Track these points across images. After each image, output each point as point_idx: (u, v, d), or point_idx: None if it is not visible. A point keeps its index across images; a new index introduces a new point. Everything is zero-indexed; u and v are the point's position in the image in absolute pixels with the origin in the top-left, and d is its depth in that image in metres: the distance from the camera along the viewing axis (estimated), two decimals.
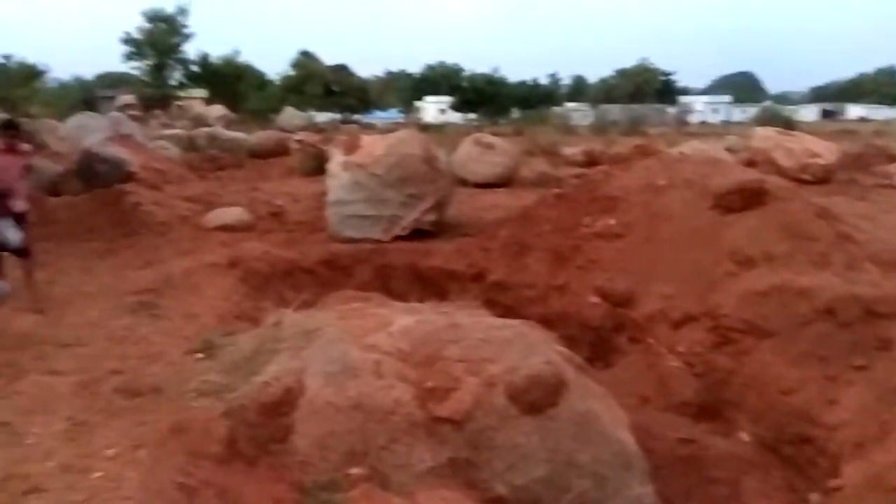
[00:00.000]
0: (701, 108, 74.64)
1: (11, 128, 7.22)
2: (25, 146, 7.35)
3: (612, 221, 7.44)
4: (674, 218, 7.06)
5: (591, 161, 20.14)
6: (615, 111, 55.18)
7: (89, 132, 16.59)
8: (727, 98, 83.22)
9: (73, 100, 39.66)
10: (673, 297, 6.36)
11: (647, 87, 69.50)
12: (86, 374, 4.83)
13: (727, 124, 59.28)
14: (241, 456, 3.99)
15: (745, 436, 5.27)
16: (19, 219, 6.86)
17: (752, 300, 5.82)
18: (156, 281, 7.32)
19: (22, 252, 6.82)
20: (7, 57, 41.26)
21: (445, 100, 67.98)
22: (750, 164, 15.77)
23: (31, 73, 40.80)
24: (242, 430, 4.08)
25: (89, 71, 63.70)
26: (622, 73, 72.32)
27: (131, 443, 3.79)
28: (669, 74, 75.04)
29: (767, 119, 35.69)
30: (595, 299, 6.82)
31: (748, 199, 6.82)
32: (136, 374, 4.83)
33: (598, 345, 6.78)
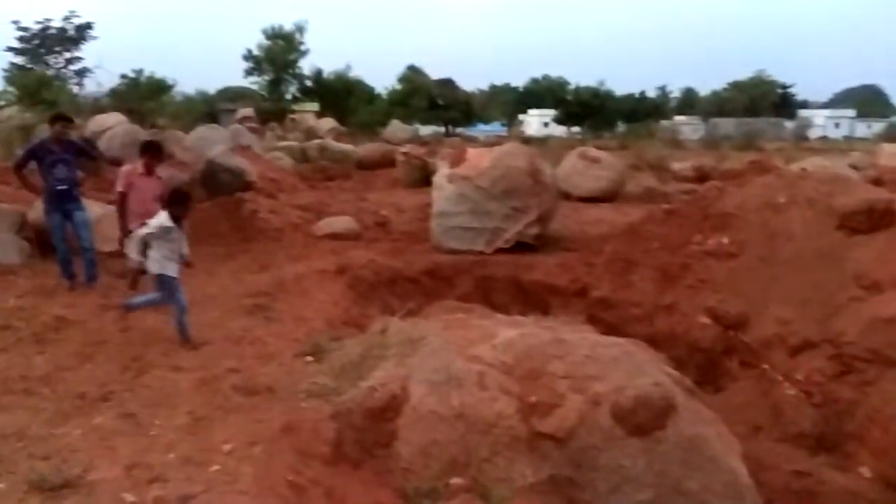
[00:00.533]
0: (822, 123, 70.61)
1: (151, 149, 7.40)
2: (163, 172, 7.45)
3: (726, 240, 7.15)
4: (794, 238, 6.71)
5: (701, 176, 19.42)
6: (728, 125, 53.00)
7: (211, 143, 17.58)
8: (850, 112, 78.34)
9: (197, 112, 42.16)
10: (791, 321, 6.04)
11: (763, 100, 66.27)
12: (206, 371, 5.09)
13: (850, 140, 55.79)
14: (347, 458, 4.12)
15: (866, 471, 4.91)
16: None
17: (879, 327, 5.43)
18: (270, 285, 7.65)
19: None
20: (138, 72, 44.67)
21: (549, 113, 67.57)
22: (877, 182, 14.73)
23: (159, 88, 43.81)
24: (349, 433, 4.22)
25: (212, 85, 67.75)
26: (736, 86, 69.31)
27: (247, 439, 3.97)
28: (788, 87, 71.35)
29: (895, 135, 33.23)
30: (705, 320, 6.58)
31: (876, 219, 6.39)
32: (252, 373, 5.06)
33: (706, 368, 6.53)
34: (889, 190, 11.63)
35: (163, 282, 5.79)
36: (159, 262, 5.73)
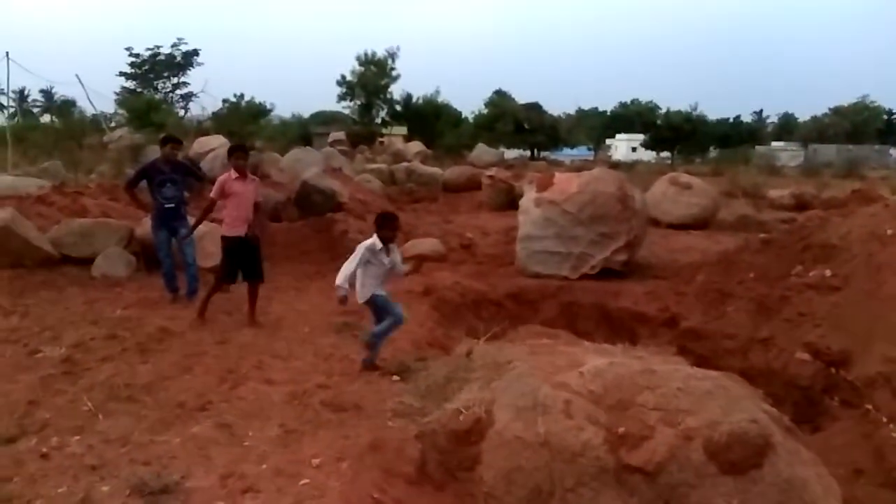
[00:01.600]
0: None
1: (238, 150, 7.23)
2: (253, 176, 7.41)
3: (828, 272, 6.80)
4: None
5: (800, 205, 18.59)
6: (829, 151, 50.53)
7: (305, 165, 18.23)
8: None
9: (292, 135, 43.83)
10: None
11: (866, 127, 62.77)
12: (296, 386, 5.26)
13: None
14: (431, 479, 4.15)
15: None
16: (253, 245, 7.15)
17: None
18: (357, 304, 7.81)
19: (257, 276, 7.27)
20: (239, 97, 46.94)
21: (637, 137, 66.37)
22: None
23: (258, 112, 45.90)
24: (433, 454, 4.25)
25: (306, 110, 70.30)
26: (838, 111, 65.99)
27: (335, 454, 4.06)
28: (894, 113, 67.39)
29: None
30: (804, 356, 6.25)
31: None
32: (340, 389, 5.19)
33: (804, 406, 6.19)
34: None
35: (376, 304, 5.74)
36: (367, 286, 5.66)
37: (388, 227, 5.71)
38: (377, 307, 5.74)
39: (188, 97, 51.65)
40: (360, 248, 5.63)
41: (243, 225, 7.00)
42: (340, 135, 42.57)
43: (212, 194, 7.11)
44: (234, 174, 7.04)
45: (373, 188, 19.67)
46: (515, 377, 4.51)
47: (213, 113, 37.28)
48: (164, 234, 8.08)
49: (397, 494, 3.82)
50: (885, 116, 65.92)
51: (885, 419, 5.51)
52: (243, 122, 35.43)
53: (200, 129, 28.88)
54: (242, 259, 7.12)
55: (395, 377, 5.44)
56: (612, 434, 3.84)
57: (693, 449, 3.67)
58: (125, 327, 6.78)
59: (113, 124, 32.14)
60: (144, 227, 9.21)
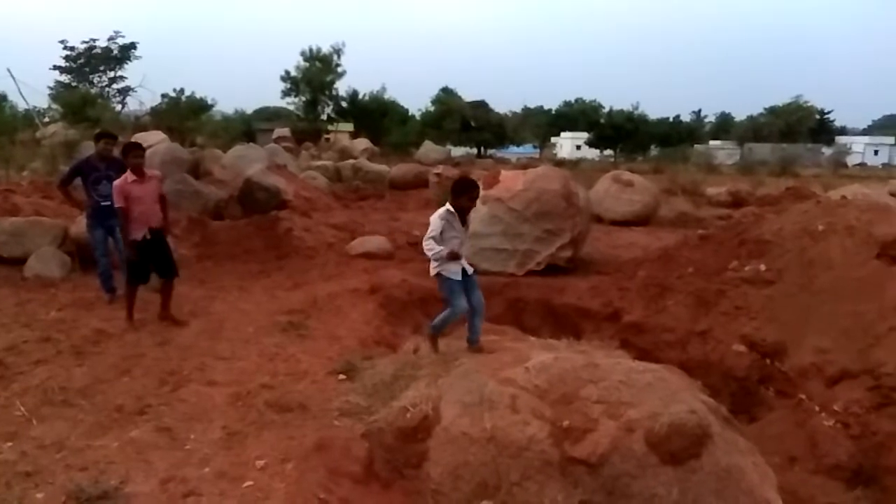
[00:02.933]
0: (860, 150, 69.36)
1: (134, 150, 6.88)
2: (152, 171, 7.08)
3: (763, 267, 7.05)
4: (833, 266, 6.59)
5: (736, 202, 19.19)
6: (764, 150, 52.28)
7: (248, 162, 17.93)
8: (889, 139, 76.81)
9: (234, 132, 42.94)
10: (829, 351, 5.91)
11: (800, 126, 65.23)
12: (240, 387, 5.16)
13: (889, 167, 54.68)
14: (378, 477, 4.14)
15: None
16: (160, 241, 6.95)
17: None
18: (303, 302, 7.74)
19: (170, 272, 7.09)
20: (179, 91, 45.75)
21: (581, 136, 67.43)
22: None
23: (199, 107, 44.83)
24: (380, 453, 4.24)
25: (250, 105, 69.04)
26: (773, 111, 68.36)
27: (279, 455, 4.01)
28: (826, 113, 70.22)
29: None
30: (741, 348, 6.47)
31: None
32: (285, 389, 5.11)
33: (741, 397, 6.40)
34: None
35: (440, 286, 5.11)
36: (439, 261, 4.97)
37: (466, 196, 4.93)
38: (440, 288, 5.11)
39: (125, 91, 50.02)
40: (436, 217, 4.92)
41: (144, 227, 6.79)
42: (285, 131, 42.02)
43: (116, 203, 6.71)
44: (131, 177, 6.71)
45: (318, 185, 19.47)
46: (462, 374, 4.54)
47: (152, 108, 36.26)
48: (100, 233, 7.82)
49: (344, 494, 3.79)
50: (818, 116, 68.52)
51: (817, 408, 5.75)
52: (183, 117, 34.60)
53: (138, 124, 28.08)
54: (151, 257, 6.91)
55: (342, 376, 5.40)
56: (557, 428, 3.91)
57: (635, 440, 3.76)
58: (59, 329, 6.54)
59: (46, 119, 30.91)
60: (79, 225, 8.90)
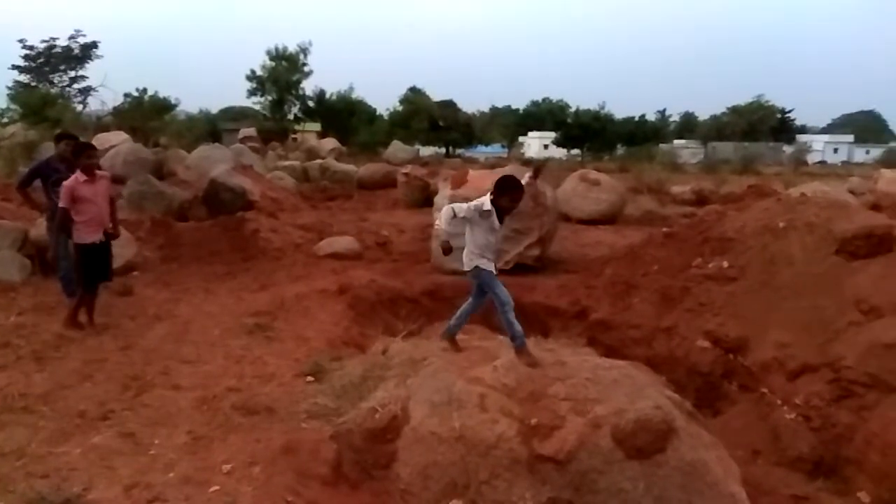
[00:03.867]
0: (820, 148, 71.01)
1: (85, 149, 6.75)
2: (101, 172, 6.92)
3: (726, 264, 7.18)
4: (793, 262, 6.74)
5: (700, 200, 19.52)
6: (727, 149, 53.22)
7: (213, 162, 17.70)
8: (849, 138, 78.84)
9: (199, 132, 42.36)
10: (790, 345, 6.04)
11: (761, 125, 66.60)
12: (206, 391, 5.10)
13: (848, 165, 56.11)
14: (346, 479, 4.12)
15: (864, 496, 4.90)
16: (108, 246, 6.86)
17: (878, 352, 5.44)
18: (270, 304, 7.67)
19: (106, 277, 6.97)
20: (142, 91, 44.92)
21: (549, 135, 67.90)
22: (874, 207, 14.80)
23: (163, 107, 44.09)
24: (348, 454, 4.22)
25: (215, 105, 68.17)
26: (735, 110, 69.66)
27: (246, 459, 3.97)
28: (787, 112, 71.76)
29: (893, 161, 33.43)
30: (705, 344, 6.58)
31: (876, 244, 6.42)
32: (252, 392, 5.06)
33: (705, 391, 6.52)
34: (887, 215, 11.69)
35: (480, 279, 4.71)
36: (473, 255, 4.63)
37: (508, 196, 4.54)
38: (481, 283, 4.71)
39: (87, 91, 48.81)
40: (471, 204, 4.60)
41: (99, 229, 6.69)
42: (251, 131, 41.56)
43: (61, 203, 6.53)
44: (81, 177, 6.55)
45: (286, 186, 19.31)
46: (431, 373, 4.53)
47: (114, 108, 35.63)
48: (62, 237, 7.65)
49: (312, 496, 3.77)
50: (779, 115, 69.98)
51: (779, 401, 5.87)
52: (146, 117, 34.04)
53: (100, 124, 27.60)
54: (99, 262, 6.79)
55: (310, 378, 5.36)
56: (525, 425, 3.93)
57: (601, 436, 3.80)
58: (20, 334, 6.38)
59: (5, 120, 30.14)
60: (39, 228, 8.70)
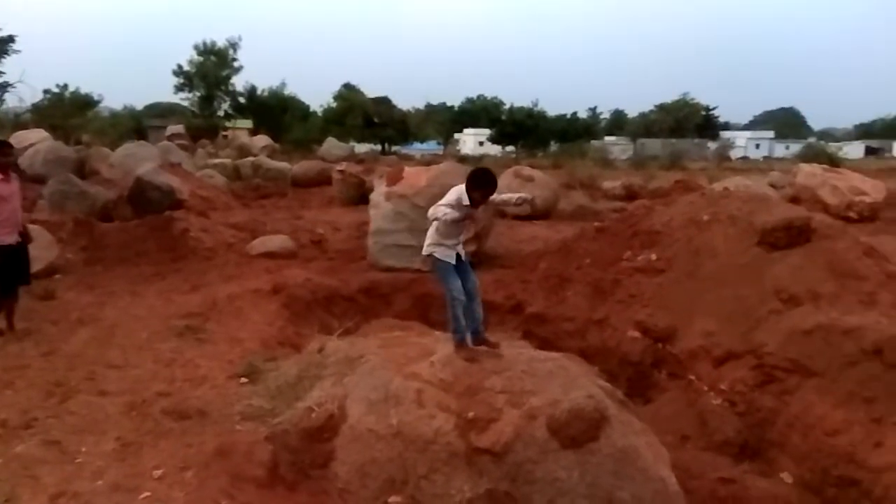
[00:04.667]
0: (743, 144, 73.90)
1: (5, 146, 6.57)
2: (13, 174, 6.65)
3: (654, 256, 7.41)
4: (717, 254, 7.01)
5: (630, 195, 20.07)
6: (655, 145, 54.86)
7: (139, 160, 17.14)
8: (769, 134, 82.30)
9: (124, 129, 40.99)
10: (715, 333, 6.29)
11: (687, 122, 68.94)
12: (134, 396, 4.94)
13: (769, 160, 58.56)
14: (283, 480, 4.06)
15: (787, 477, 5.15)
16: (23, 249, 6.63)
17: (797, 339, 5.72)
18: (202, 305, 7.48)
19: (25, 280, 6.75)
20: (62, 87, 43.04)
21: (484, 132, 68.45)
22: (794, 200, 15.54)
23: (85, 103, 42.45)
24: (284, 455, 4.16)
25: (140, 101, 65.79)
26: (663, 108, 71.90)
27: (178, 464, 3.87)
28: (711, 109, 74.48)
29: (811, 156, 35.12)
30: (635, 334, 6.77)
31: (794, 236, 6.73)
32: (183, 396, 4.93)
33: (636, 380, 6.71)
34: (806, 208, 12.29)
35: (436, 268, 4.62)
36: (432, 240, 4.57)
37: (481, 192, 4.42)
38: (435, 273, 4.63)
39: (4, 88, 46.36)
40: (455, 196, 4.43)
41: (14, 231, 6.45)
42: (179, 128, 40.37)
43: None
44: None
45: (216, 184, 18.85)
46: (368, 371, 4.51)
47: (33, 104, 34.02)
48: None
49: (247, 499, 3.70)
50: (703, 112, 72.51)
51: (706, 388, 6.10)
52: (67, 114, 32.76)
53: (18, 122, 26.37)
54: (15, 265, 6.53)
55: (243, 379, 5.26)
56: (462, 419, 3.96)
57: (537, 427, 3.87)
58: None
59: None
60: None
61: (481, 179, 4.45)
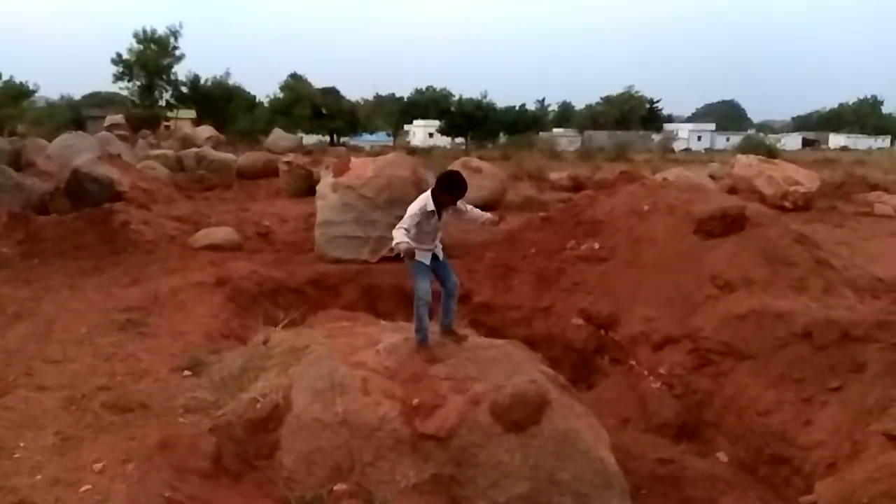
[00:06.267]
0: (685, 136, 75.66)
1: None
2: None
3: (597, 245, 7.58)
4: (656, 242, 7.21)
5: (576, 186, 20.37)
6: (601, 137, 55.76)
7: (77, 151, 16.61)
8: (711, 126, 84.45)
9: (61, 119, 39.64)
10: (654, 319, 6.48)
11: (632, 114, 70.25)
12: (74, 390, 4.82)
13: (711, 152, 60.18)
14: (227, 471, 4.04)
15: (722, 456, 5.37)
16: None
17: (731, 323, 5.95)
18: (143, 299, 7.32)
19: None
20: None
21: (433, 123, 68.31)
22: (731, 191, 16.05)
23: (19, 93, 40.82)
24: (229, 446, 4.14)
25: (78, 91, 63.61)
26: (608, 100, 73.05)
27: (119, 457, 3.81)
28: (655, 102, 76.01)
29: (750, 147, 36.18)
30: (578, 321, 6.93)
31: (729, 224, 6.98)
32: (124, 390, 4.83)
33: (580, 366, 6.88)
34: (743, 198, 12.72)
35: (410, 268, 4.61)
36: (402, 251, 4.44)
37: (452, 196, 4.45)
38: (411, 271, 4.62)
39: None
40: (416, 209, 4.44)
41: None
42: (119, 118, 39.25)
43: None
44: None
45: (158, 176, 18.36)
46: (313, 360, 4.52)
47: None
48: None
49: (191, 491, 3.68)
50: (648, 105, 73.99)
51: (646, 372, 6.29)
52: (1, 104, 31.43)
53: None
54: None
55: (187, 372, 5.19)
56: (407, 406, 4.02)
57: (480, 412, 3.95)
58: None
59: None
60: None
61: (451, 184, 4.46)
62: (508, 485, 3.86)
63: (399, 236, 4.34)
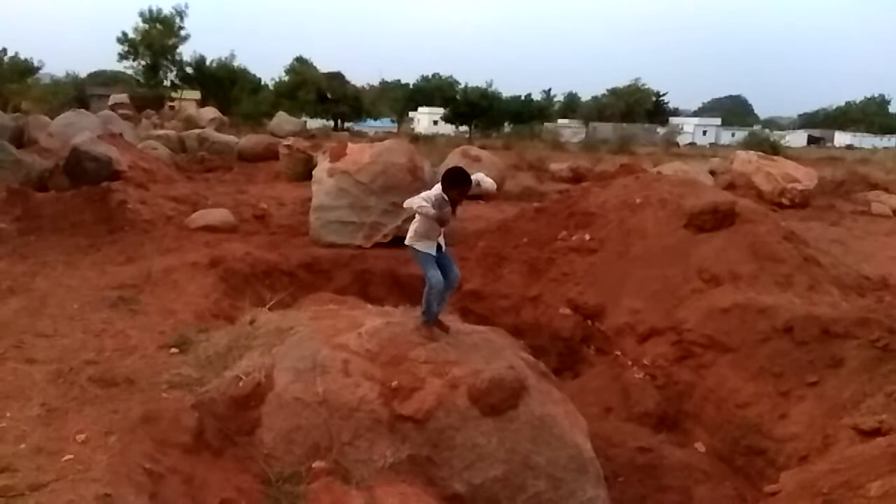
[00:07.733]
0: (691, 130, 75.36)
1: None
2: None
3: (588, 236, 7.63)
4: (646, 235, 7.27)
5: (577, 177, 20.34)
6: (606, 129, 55.56)
7: (79, 129, 16.63)
8: (717, 121, 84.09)
9: (65, 96, 39.54)
10: (641, 311, 6.55)
11: (638, 107, 69.93)
12: (62, 364, 4.88)
13: (715, 147, 59.96)
14: (209, 446, 4.12)
15: (700, 446, 5.45)
16: None
17: (715, 316, 6.02)
18: (136, 277, 7.38)
19: None
20: (1, 52, 41.22)
21: (438, 111, 68.05)
22: (730, 186, 16.05)
23: (24, 69, 40.77)
24: (211, 422, 4.21)
25: (83, 68, 63.44)
26: (615, 92, 72.70)
27: (102, 429, 3.87)
28: (661, 95, 75.66)
29: (755, 143, 36.01)
30: (566, 311, 7.00)
31: (719, 219, 7.03)
32: (111, 365, 4.90)
33: (567, 355, 6.95)
34: (741, 194, 12.73)
35: (417, 259, 4.70)
36: (415, 233, 4.63)
37: (457, 190, 4.52)
38: (419, 262, 4.70)
39: None
40: (432, 195, 4.48)
41: None
42: (123, 97, 39.16)
43: None
44: None
45: (159, 156, 18.40)
46: (297, 341, 4.59)
47: None
48: None
49: (172, 463, 3.75)
50: (654, 98, 73.64)
51: (630, 363, 6.37)
52: (5, 80, 31.45)
53: None
54: None
55: (174, 350, 5.26)
56: (387, 388, 4.08)
57: (458, 396, 4.02)
58: None
59: None
60: None
61: (455, 178, 4.55)
62: (484, 467, 3.94)
63: (420, 202, 4.41)
